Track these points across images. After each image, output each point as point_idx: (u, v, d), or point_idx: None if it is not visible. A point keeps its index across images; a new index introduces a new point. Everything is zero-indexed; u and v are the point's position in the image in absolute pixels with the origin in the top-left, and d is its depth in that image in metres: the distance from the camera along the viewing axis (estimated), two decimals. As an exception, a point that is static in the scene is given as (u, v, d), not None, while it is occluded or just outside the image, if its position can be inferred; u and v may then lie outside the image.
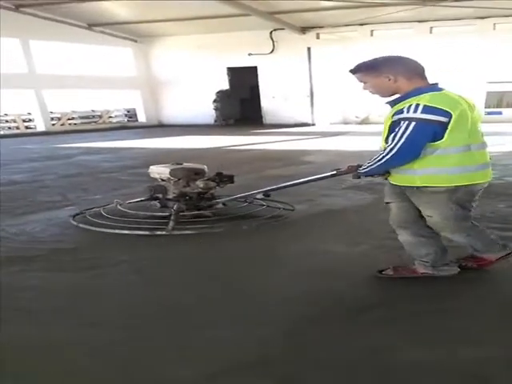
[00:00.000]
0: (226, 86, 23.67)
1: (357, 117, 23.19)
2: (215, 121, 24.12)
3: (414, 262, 3.47)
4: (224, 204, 5.56)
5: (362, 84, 3.21)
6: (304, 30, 21.45)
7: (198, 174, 5.50)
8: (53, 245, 4.59)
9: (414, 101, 2.94)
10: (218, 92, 23.74)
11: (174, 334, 2.82)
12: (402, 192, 3.25)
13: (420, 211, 3.26)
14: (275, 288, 3.45)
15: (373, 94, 3.24)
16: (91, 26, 21.41)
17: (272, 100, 22.74)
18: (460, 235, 3.35)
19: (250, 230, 4.99)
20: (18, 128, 22.60)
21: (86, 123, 24.55)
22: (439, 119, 2.89)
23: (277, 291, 3.38)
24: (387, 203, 3.43)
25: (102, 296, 3.40)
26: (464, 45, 19.71)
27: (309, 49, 21.78)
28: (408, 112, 2.93)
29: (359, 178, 3.51)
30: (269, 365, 2.49)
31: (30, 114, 22.59)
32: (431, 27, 19.86)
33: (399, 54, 3.31)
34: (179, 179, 5.45)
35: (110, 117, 25.89)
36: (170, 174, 5.46)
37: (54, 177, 8.96)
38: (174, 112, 24.96)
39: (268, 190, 5.06)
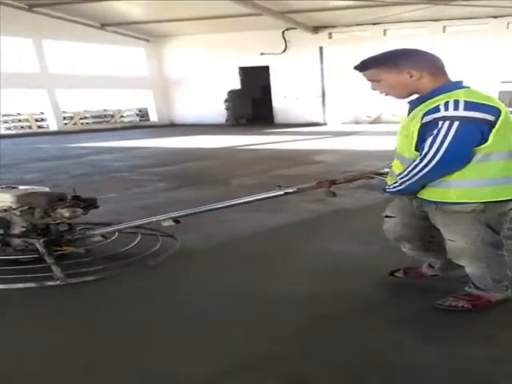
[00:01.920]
0: (237, 85, 23.66)
1: (368, 116, 23.11)
2: (226, 120, 24.12)
3: (423, 265, 3.30)
4: (104, 236, 4.30)
5: (371, 84, 2.67)
6: (316, 29, 21.39)
7: (61, 199, 4.20)
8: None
9: (447, 97, 2.41)
10: (229, 91, 23.73)
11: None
12: (417, 208, 2.79)
13: (431, 231, 2.84)
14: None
15: (385, 95, 2.69)
16: (104, 25, 21.49)
17: (284, 99, 22.71)
18: (479, 265, 2.77)
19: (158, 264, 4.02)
20: (30, 127, 22.76)
21: (98, 123, 24.65)
22: (486, 117, 2.35)
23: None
24: (387, 217, 2.99)
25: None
26: (477, 44, 19.54)
27: (321, 48, 21.72)
28: (447, 110, 2.36)
29: (335, 195, 3.21)
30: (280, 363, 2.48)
31: (42, 113, 22.74)
32: (444, 26, 19.74)
33: (414, 47, 2.75)
34: (31, 207, 4.08)
35: (122, 116, 25.99)
36: (19, 201, 4.07)
37: (66, 176, 8.99)
38: (185, 112, 25.00)
39: (181, 216, 4.02)
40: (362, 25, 20.12)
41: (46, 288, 3.53)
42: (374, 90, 2.66)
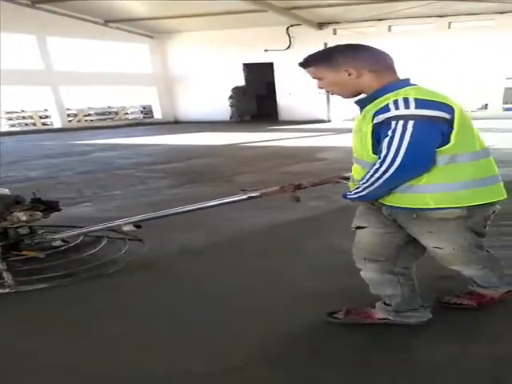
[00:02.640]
0: (241, 82, 23.62)
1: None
2: (231, 117, 24.09)
3: (375, 304, 2.82)
4: (65, 241, 4.18)
5: (317, 81, 2.46)
6: (321, 25, 21.33)
7: (18, 202, 4.08)
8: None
9: (395, 96, 2.21)
10: (233, 88, 23.70)
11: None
12: (388, 216, 2.51)
13: (407, 241, 2.59)
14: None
15: (331, 93, 2.47)
16: (108, 22, 21.48)
17: (288, 96, 22.66)
18: (475, 267, 2.68)
19: (120, 270, 3.84)
20: (34, 124, 22.81)
21: (102, 120, 24.67)
22: (442, 115, 2.16)
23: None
24: (358, 228, 2.64)
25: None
26: (482, 40, 19.45)
27: (325, 44, 21.60)
28: (397, 108, 2.15)
29: (299, 201, 3.01)
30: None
31: (46, 110, 22.77)
32: (450, 22, 19.66)
33: (360, 43, 2.51)
34: None
35: (126, 113, 26.01)
36: None
37: (71, 173, 8.99)
38: (189, 108, 24.98)
39: (143, 220, 3.93)
40: (366, 21, 20.06)
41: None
42: (321, 88, 2.47)
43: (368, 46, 2.43)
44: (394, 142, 2.15)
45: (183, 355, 2.56)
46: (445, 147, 2.21)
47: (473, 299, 2.90)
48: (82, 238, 4.30)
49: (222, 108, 23.84)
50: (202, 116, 23.78)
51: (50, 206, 4.23)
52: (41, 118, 23.13)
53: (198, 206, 3.72)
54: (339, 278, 3.46)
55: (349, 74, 2.31)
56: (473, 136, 2.30)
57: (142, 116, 26.08)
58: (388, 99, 2.21)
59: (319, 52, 2.43)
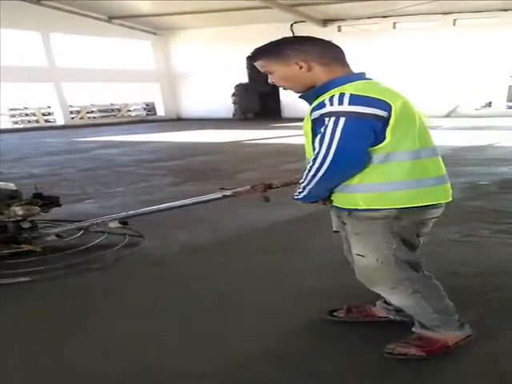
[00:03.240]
0: (245, 79, 23.60)
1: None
2: (234, 115, 24.09)
3: (375, 303, 2.75)
4: (58, 235, 4.20)
5: (268, 76, 2.33)
6: (325, 22, 21.30)
7: (15, 196, 4.13)
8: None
9: (337, 90, 2.09)
10: (236, 85, 23.70)
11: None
12: (340, 218, 2.42)
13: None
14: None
15: (284, 88, 2.36)
16: (111, 18, 21.51)
17: (291, 93, 22.56)
18: (403, 291, 2.32)
19: (105, 267, 3.82)
20: (37, 121, 22.86)
21: (104, 117, 24.71)
22: (375, 112, 2.03)
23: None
24: (335, 232, 2.58)
25: None
26: (487, 37, 19.39)
27: (330, 41, 21.61)
28: (332, 105, 2.05)
29: (268, 201, 2.90)
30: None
31: (49, 107, 22.80)
32: (454, 19, 19.60)
33: (310, 35, 2.37)
34: None
35: (129, 110, 26.05)
36: None
37: (73, 170, 8.98)
38: (192, 106, 25.00)
39: (127, 216, 3.95)
40: (371, 18, 20.04)
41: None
42: (272, 82, 2.33)
43: (314, 38, 2.31)
44: (325, 139, 2.07)
45: (182, 354, 2.53)
46: (380, 145, 2.09)
47: (421, 347, 2.38)
48: (81, 232, 4.32)
49: (224, 105, 23.85)
50: (204, 113, 23.79)
51: (51, 201, 4.27)
52: (44, 114, 23.18)
53: (175, 205, 3.76)
54: (340, 276, 3.41)
55: (300, 68, 2.20)
56: (413, 134, 2.14)
57: (144, 113, 26.12)
58: (328, 95, 2.10)
59: (268, 44, 2.29)
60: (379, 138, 2.07)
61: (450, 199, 2.31)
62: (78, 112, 24.00)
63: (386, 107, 2.04)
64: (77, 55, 22.12)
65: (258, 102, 25.27)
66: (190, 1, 18.27)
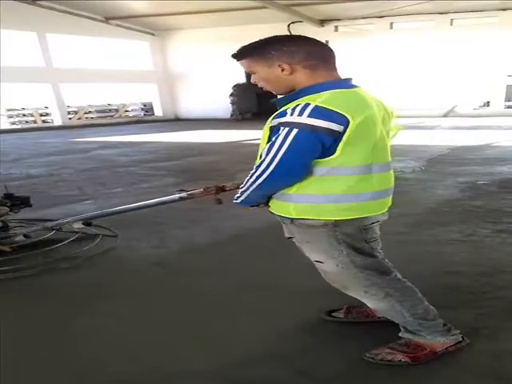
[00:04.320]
0: (242, 79, 23.58)
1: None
2: (231, 115, 24.07)
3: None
4: (26, 235, 4.27)
5: (252, 76, 2.27)
6: (322, 22, 21.31)
7: None
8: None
9: (306, 100, 2.02)
10: (234, 86, 23.67)
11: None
12: (283, 224, 2.39)
13: None
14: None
15: (265, 89, 2.33)
16: (108, 19, 21.48)
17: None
18: (375, 296, 2.31)
19: (75, 266, 3.83)
20: (35, 122, 22.85)
21: (102, 117, 24.70)
22: (329, 126, 1.96)
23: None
24: (289, 238, 2.44)
25: None
26: (485, 37, 19.41)
27: (327, 42, 21.52)
28: (292, 114, 1.99)
29: (221, 203, 2.84)
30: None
31: (47, 107, 22.78)
32: (452, 19, 19.62)
33: (298, 34, 2.29)
34: None
35: (127, 111, 26.05)
36: None
37: (72, 171, 8.96)
38: (190, 106, 24.99)
39: (91, 217, 4.06)
40: (368, 18, 20.03)
41: None
42: (254, 82, 2.27)
43: (304, 38, 2.23)
44: (273, 148, 2.04)
45: (182, 353, 2.53)
46: (326, 159, 2.05)
47: (407, 353, 2.33)
48: (52, 232, 4.37)
49: (222, 105, 23.84)
50: (202, 113, 23.78)
51: (22, 202, 4.37)
52: (41, 115, 23.18)
53: (136, 205, 3.85)
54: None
55: (282, 70, 2.12)
56: (367, 150, 2.09)
57: (142, 113, 26.12)
58: (295, 103, 2.04)
59: (253, 44, 2.20)
60: (328, 151, 2.04)
61: (384, 211, 2.30)
62: (76, 112, 23.98)
63: (343, 121, 1.97)
64: (74, 56, 22.10)
65: (255, 102, 25.22)
66: (188, 1, 18.26)
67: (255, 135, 15.19)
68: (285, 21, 20.61)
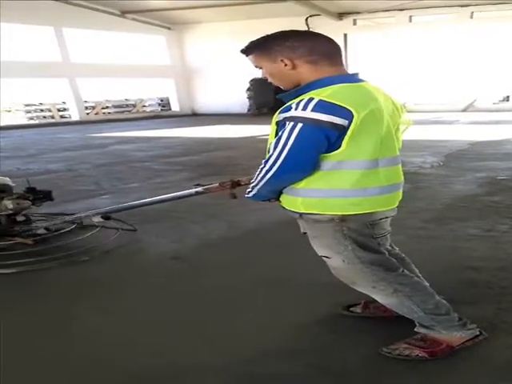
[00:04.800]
0: (259, 73, 23.41)
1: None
2: (248, 110, 24.03)
3: None
4: (47, 228, 4.33)
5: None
6: (341, 16, 21.15)
7: (4, 191, 4.24)
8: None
9: (310, 94, 2.05)
10: (251, 80, 23.59)
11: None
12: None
13: None
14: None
15: (277, 85, 2.32)
16: (124, 13, 21.50)
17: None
18: (384, 292, 2.31)
19: (93, 259, 3.88)
20: (52, 117, 22.99)
21: (119, 112, 24.80)
22: (333, 120, 1.99)
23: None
24: (305, 233, 2.44)
25: None
26: (506, 30, 19.15)
27: (345, 35, 21.44)
28: (296, 109, 2.03)
29: (235, 197, 2.85)
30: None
31: (64, 103, 22.91)
32: (472, 12, 19.34)
33: (304, 29, 2.32)
34: None
35: (144, 106, 26.11)
36: None
37: (89, 166, 9.02)
38: (207, 101, 24.99)
39: (110, 211, 4.05)
40: (387, 11, 19.84)
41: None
42: (265, 77, 2.32)
43: (306, 33, 2.30)
44: (280, 143, 2.08)
45: (195, 347, 2.53)
46: (333, 153, 2.08)
47: (424, 348, 2.31)
48: (73, 226, 4.43)
49: (239, 100, 23.78)
50: (219, 108, 23.77)
51: (43, 196, 4.42)
52: (59, 110, 23.31)
53: (156, 200, 3.82)
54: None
55: (285, 65, 2.16)
56: (374, 144, 2.10)
57: (159, 108, 26.16)
58: (300, 98, 2.06)
59: (258, 39, 2.25)
60: (333, 146, 2.06)
61: (395, 206, 2.31)
62: (93, 107, 24.10)
63: (348, 115, 2.00)
64: (91, 50, 22.20)
65: (272, 96, 25.04)
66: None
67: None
68: (303, 14, 20.51)
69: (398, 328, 2.54)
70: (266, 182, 2.18)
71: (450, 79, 20.32)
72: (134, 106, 25.77)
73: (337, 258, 2.28)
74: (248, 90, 23.85)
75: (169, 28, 24.32)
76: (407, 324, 2.46)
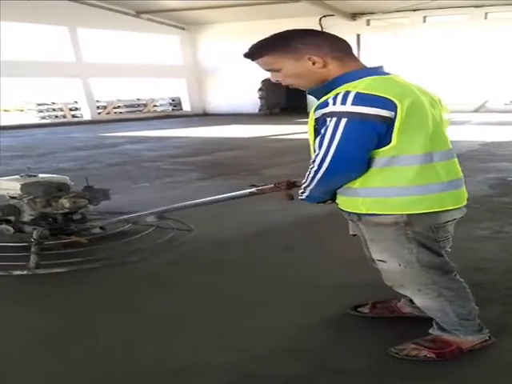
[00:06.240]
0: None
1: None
2: (259, 110, 24.04)
3: (401, 298, 2.67)
4: (102, 228, 4.41)
5: (271, 74, 2.22)
6: (354, 16, 21.10)
7: (62, 189, 4.27)
8: None
9: (345, 88, 1.97)
10: (263, 80, 23.59)
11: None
12: (351, 221, 2.32)
13: None
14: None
15: (291, 86, 2.26)
16: (139, 13, 21.58)
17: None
18: (428, 295, 2.22)
19: (143, 259, 3.88)
20: (64, 116, 23.12)
21: (131, 112, 24.88)
22: (379, 112, 1.90)
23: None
24: (354, 235, 2.41)
25: None
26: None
27: (358, 36, 21.38)
28: (334, 104, 1.93)
29: (292, 199, 2.77)
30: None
31: (76, 102, 23.02)
32: (486, 13, 19.22)
33: (312, 28, 2.23)
34: (35, 197, 4.13)
35: (155, 105, 26.17)
36: (22, 190, 4.17)
37: (100, 165, 9.06)
38: (218, 101, 25.01)
39: (164, 211, 4.05)
40: (401, 11, 19.75)
41: (15, 277, 3.53)
42: (277, 81, 2.20)
43: (320, 31, 2.25)
44: (325, 140, 1.97)
45: (202, 346, 2.53)
46: (384, 148, 1.98)
47: (433, 350, 2.27)
48: (129, 225, 4.46)
49: (251, 100, 23.81)
50: (230, 108, 23.78)
51: (102, 194, 4.44)
52: (71, 110, 23.44)
53: (210, 200, 3.79)
54: (365, 271, 3.39)
55: (313, 63, 2.06)
56: (424, 136, 2.01)
57: (170, 108, 26.21)
58: (335, 93, 1.97)
59: (272, 39, 2.15)
60: (384, 140, 1.97)
61: (464, 204, 2.21)
62: (105, 107, 24.21)
63: (392, 107, 1.91)
64: (104, 50, 22.30)
65: (284, 96, 25.12)
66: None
67: (283, 130, 15.18)
68: (316, 14, 20.45)
69: (405, 328, 2.54)
70: (317, 182, 2.09)
71: (462, 80, 20.20)
72: (146, 105, 25.85)
73: (393, 262, 2.19)
74: (260, 90, 23.88)
75: (183, 28, 24.37)
76: (415, 324, 2.46)
